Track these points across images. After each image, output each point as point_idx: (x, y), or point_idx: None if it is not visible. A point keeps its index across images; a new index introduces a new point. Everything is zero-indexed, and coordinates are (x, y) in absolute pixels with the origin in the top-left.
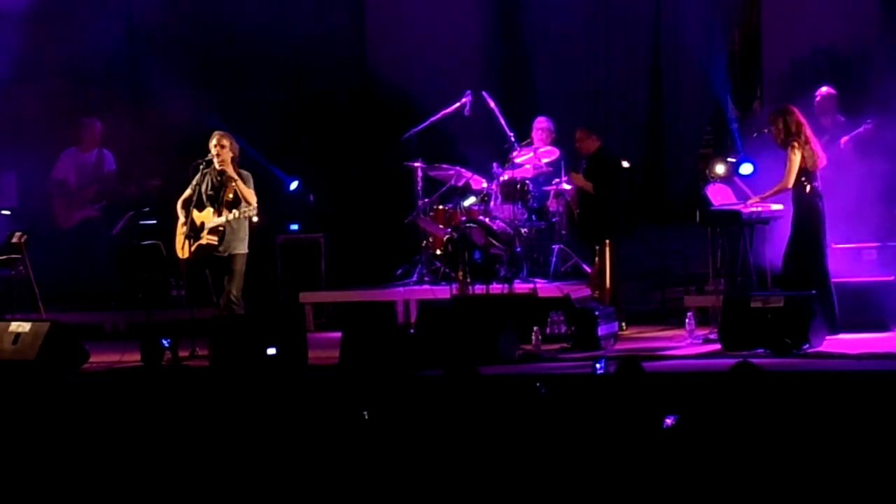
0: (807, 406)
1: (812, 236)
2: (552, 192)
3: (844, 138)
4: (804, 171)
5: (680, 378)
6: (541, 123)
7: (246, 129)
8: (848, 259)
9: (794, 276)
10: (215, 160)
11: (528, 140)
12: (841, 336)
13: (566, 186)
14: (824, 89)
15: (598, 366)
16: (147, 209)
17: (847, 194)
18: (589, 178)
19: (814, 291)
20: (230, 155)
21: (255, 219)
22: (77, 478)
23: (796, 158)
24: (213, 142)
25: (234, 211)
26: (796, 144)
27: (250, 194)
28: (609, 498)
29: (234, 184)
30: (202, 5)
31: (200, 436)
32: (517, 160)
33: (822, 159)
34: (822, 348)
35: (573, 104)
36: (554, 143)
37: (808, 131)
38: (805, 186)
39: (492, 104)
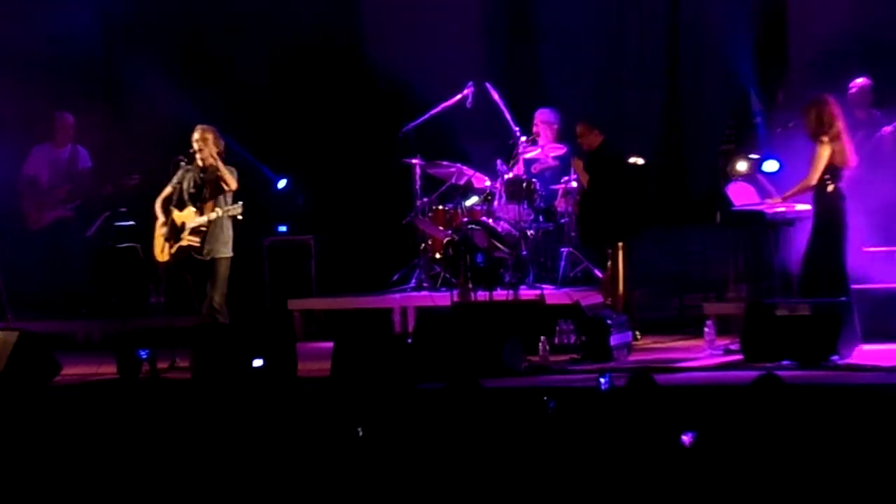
0: (836, 423)
1: (832, 239)
2: (560, 191)
3: (888, 128)
4: (830, 169)
5: (698, 392)
6: (542, 116)
7: (231, 124)
8: (882, 263)
9: (812, 281)
10: (198, 156)
11: (535, 134)
12: (873, 346)
13: (575, 185)
14: (860, 80)
15: (602, 381)
16: (124, 209)
17: (884, 191)
18: (589, 175)
19: (844, 298)
20: (214, 150)
21: (239, 217)
22: (48, 501)
23: (824, 153)
24: (196, 136)
25: (217, 210)
26: (825, 138)
27: (233, 181)
28: None
29: (218, 174)
30: None
31: (181, 455)
32: (523, 157)
33: (852, 158)
34: (853, 360)
35: (583, 96)
36: (560, 137)
37: (842, 126)
38: (827, 185)
39: (495, 96)
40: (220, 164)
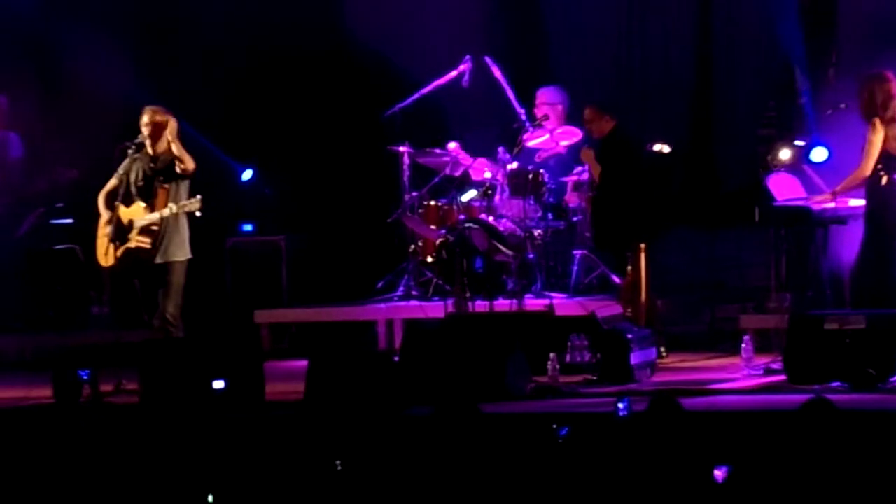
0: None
1: (888, 240)
2: (570, 184)
3: None
4: (886, 157)
5: (734, 419)
6: (545, 96)
7: (188, 106)
8: None
9: (867, 289)
10: (147, 143)
11: (542, 117)
12: None
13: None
14: None
15: (620, 406)
16: (61, 205)
17: None
18: (601, 166)
19: None
20: (166, 133)
21: (198, 214)
22: None
23: (876, 139)
24: (145, 119)
25: (171, 205)
26: (877, 122)
27: (189, 161)
28: None
29: (174, 156)
30: None
31: (128, 491)
32: (529, 143)
33: None
34: None
35: (598, 74)
36: (567, 120)
37: None
38: (881, 177)
39: (497, 73)
40: (176, 145)
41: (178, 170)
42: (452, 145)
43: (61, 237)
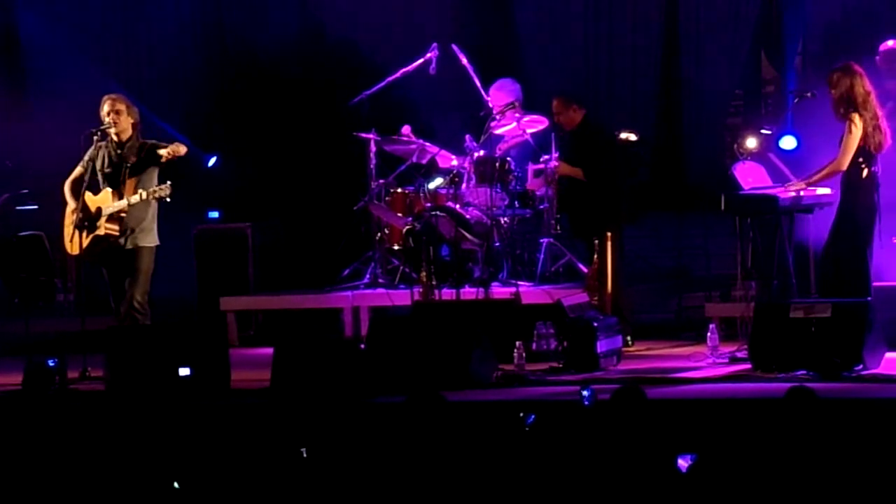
0: (860, 443)
1: (859, 233)
2: (531, 171)
3: None
4: (863, 152)
5: (699, 407)
6: (495, 96)
7: (150, 92)
8: None
9: (833, 278)
10: (112, 130)
11: (511, 104)
12: None
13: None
14: (890, 43)
15: (584, 393)
16: (25, 191)
17: None
18: (574, 158)
19: (870, 298)
20: (130, 121)
21: (168, 200)
22: None
23: (856, 134)
24: (105, 108)
25: (140, 192)
26: (856, 118)
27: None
28: None
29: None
30: None
31: (94, 478)
32: (496, 131)
33: (887, 139)
34: (880, 370)
35: (566, 64)
36: (528, 109)
37: (876, 103)
38: (861, 170)
39: (464, 61)
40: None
41: (159, 156)
42: (405, 129)
43: (26, 224)
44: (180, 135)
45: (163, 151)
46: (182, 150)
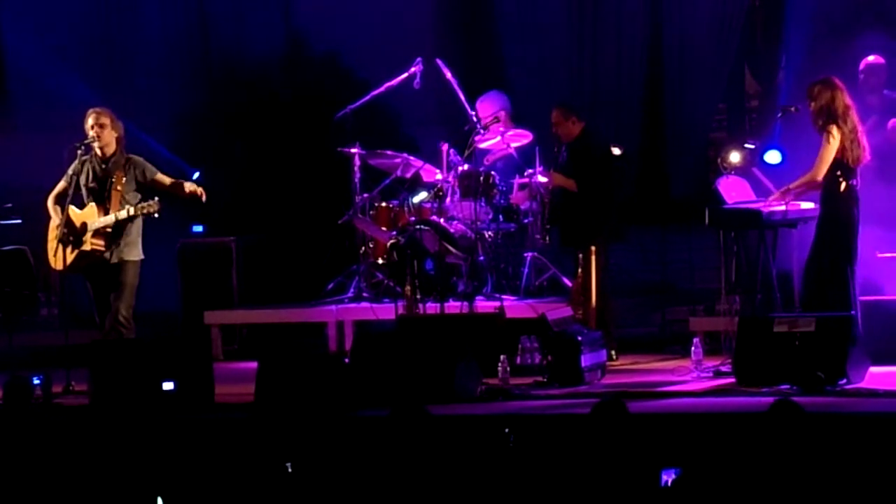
0: (844, 457)
1: (841, 246)
2: (516, 185)
3: (894, 120)
4: (841, 165)
5: (683, 421)
6: (483, 108)
7: (134, 108)
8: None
9: (816, 292)
10: (96, 144)
11: (494, 119)
12: (886, 369)
13: (542, 179)
14: (871, 58)
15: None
16: (9, 205)
17: None
18: (571, 171)
19: (854, 312)
20: (114, 135)
21: (156, 216)
22: None
23: (832, 147)
24: (90, 122)
25: (128, 207)
26: (834, 130)
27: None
28: None
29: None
30: None
31: (78, 492)
32: (481, 145)
33: (866, 154)
34: (864, 384)
35: (550, 77)
36: (515, 122)
37: (856, 117)
38: (839, 183)
39: (448, 75)
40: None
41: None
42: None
43: (10, 238)
44: (168, 152)
45: (189, 187)
46: (201, 193)
